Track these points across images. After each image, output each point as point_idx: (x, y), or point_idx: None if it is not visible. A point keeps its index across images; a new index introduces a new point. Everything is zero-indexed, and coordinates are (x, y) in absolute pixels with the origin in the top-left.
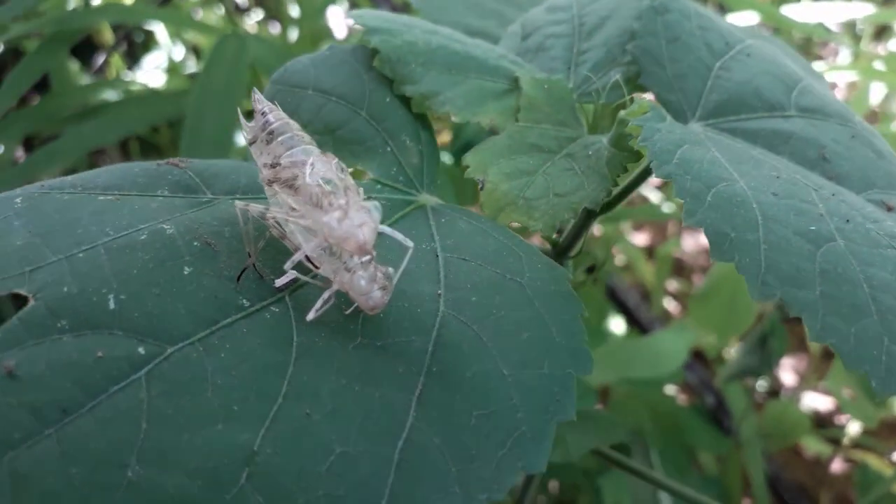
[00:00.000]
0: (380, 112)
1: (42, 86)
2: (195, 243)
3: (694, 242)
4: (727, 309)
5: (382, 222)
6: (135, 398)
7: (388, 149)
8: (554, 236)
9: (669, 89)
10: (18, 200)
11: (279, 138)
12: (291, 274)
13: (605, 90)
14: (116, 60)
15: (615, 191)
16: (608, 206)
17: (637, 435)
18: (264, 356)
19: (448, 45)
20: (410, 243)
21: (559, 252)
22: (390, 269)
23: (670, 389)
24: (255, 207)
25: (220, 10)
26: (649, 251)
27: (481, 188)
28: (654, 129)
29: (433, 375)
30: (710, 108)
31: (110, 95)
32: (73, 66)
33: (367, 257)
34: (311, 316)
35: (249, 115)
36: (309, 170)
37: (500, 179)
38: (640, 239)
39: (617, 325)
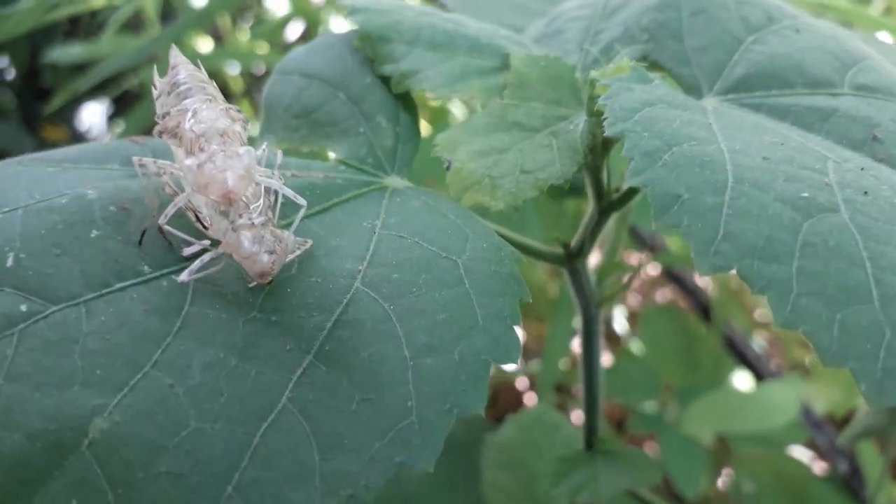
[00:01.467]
0: (358, 93)
1: None
2: (111, 208)
3: None
4: None
5: (335, 202)
6: (1, 354)
7: (362, 130)
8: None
9: (684, 63)
10: None
11: (179, 88)
12: (203, 242)
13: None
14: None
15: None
16: (622, 200)
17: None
18: (145, 323)
19: (437, 24)
20: (303, 201)
21: (571, 256)
22: (287, 234)
23: (799, 453)
24: (149, 160)
25: None
26: None
27: (447, 168)
28: (624, 88)
29: (323, 355)
30: (732, 82)
31: None
32: None
33: (262, 218)
34: (183, 276)
35: None
36: (190, 115)
37: (469, 158)
38: None
39: (742, 381)
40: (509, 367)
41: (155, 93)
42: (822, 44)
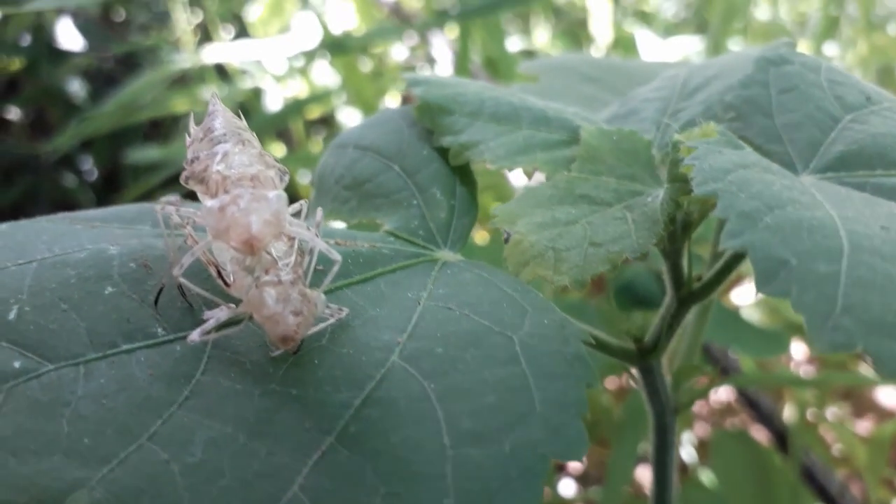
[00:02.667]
0: (414, 165)
1: None
2: (131, 264)
3: None
4: None
5: (379, 272)
6: None
7: (415, 202)
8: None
9: (776, 139)
10: (5, 226)
11: (213, 134)
12: (228, 305)
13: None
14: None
15: (713, 269)
16: (704, 289)
17: None
18: (148, 390)
19: (500, 98)
20: (338, 256)
21: (644, 352)
22: (318, 294)
23: None
24: (172, 208)
25: None
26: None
27: (506, 241)
28: (713, 150)
29: (347, 436)
30: (831, 160)
31: None
32: None
33: (291, 276)
34: (194, 336)
35: None
36: (219, 158)
37: (530, 230)
38: (862, 427)
39: None
40: (566, 493)
41: (188, 140)
42: None
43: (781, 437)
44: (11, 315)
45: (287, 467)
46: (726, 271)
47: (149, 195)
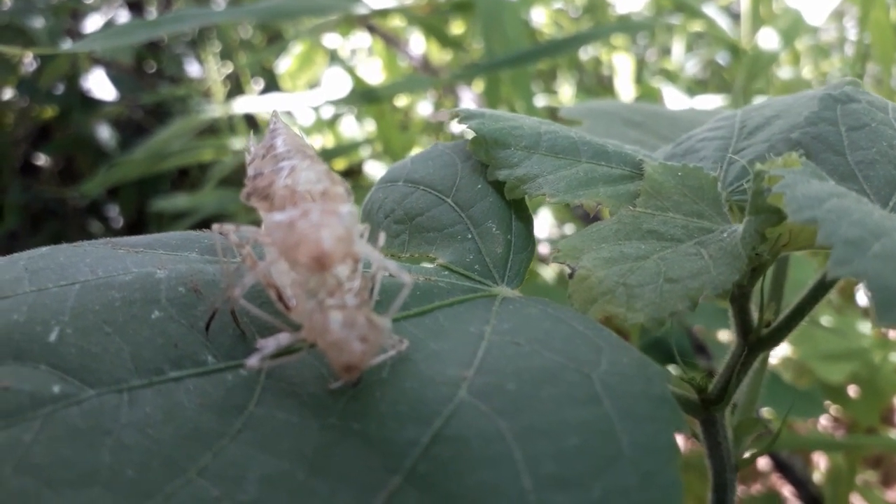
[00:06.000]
0: (468, 199)
1: None
2: (180, 289)
3: None
4: None
5: (437, 305)
6: (16, 439)
7: (470, 236)
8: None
9: (849, 177)
10: (45, 249)
11: (275, 151)
12: (280, 335)
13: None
14: None
15: (784, 313)
16: (773, 336)
17: None
18: (198, 420)
19: (558, 132)
20: (408, 278)
21: (709, 402)
22: (385, 321)
23: None
24: (230, 227)
25: None
26: None
27: (570, 276)
28: (801, 180)
29: (416, 477)
30: None
31: None
32: None
33: (356, 300)
34: (253, 361)
35: None
36: (285, 173)
37: (598, 265)
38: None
39: None
40: None
41: (248, 157)
42: None
43: (814, 501)
44: (52, 337)
45: None
46: (798, 316)
47: None
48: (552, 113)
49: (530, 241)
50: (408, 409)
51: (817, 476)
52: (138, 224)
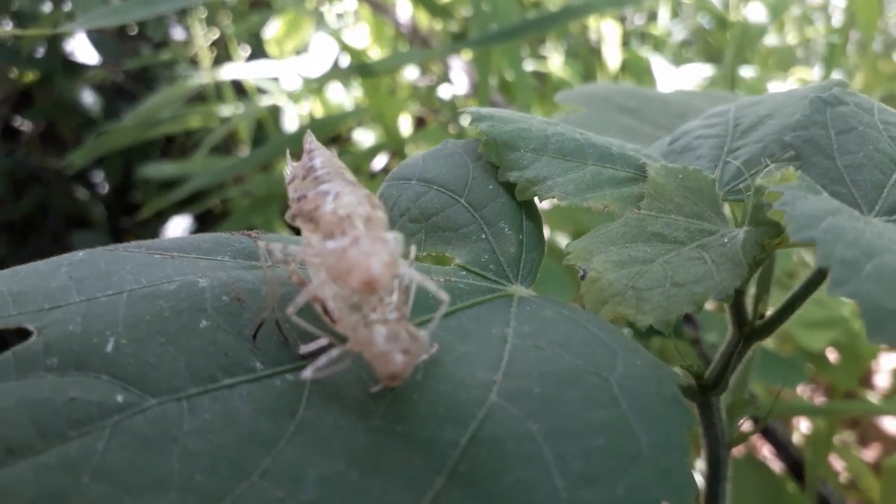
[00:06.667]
0: (480, 199)
1: None
2: (224, 297)
3: None
4: None
5: (459, 307)
6: (89, 448)
7: (483, 236)
8: (697, 368)
9: (839, 181)
10: (81, 254)
11: (316, 173)
12: (321, 340)
13: (756, 183)
14: None
15: (774, 309)
16: (766, 327)
17: None
18: (255, 425)
19: (565, 133)
20: (446, 296)
21: (706, 388)
22: (422, 333)
23: None
24: (277, 245)
25: None
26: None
27: (582, 278)
28: (798, 196)
29: (458, 476)
30: (895, 202)
31: None
32: (285, 232)
33: (396, 314)
34: (307, 373)
35: None
36: (331, 198)
37: (607, 268)
38: (869, 455)
39: None
40: None
41: (287, 176)
42: None
43: (795, 465)
44: (109, 348)
45: None
46: (789, 310)
47: (165, 216)
48: (540, 78)
49: (540, 240)
50: (444, 411)
51: (797, 437)
52: (124, 190)
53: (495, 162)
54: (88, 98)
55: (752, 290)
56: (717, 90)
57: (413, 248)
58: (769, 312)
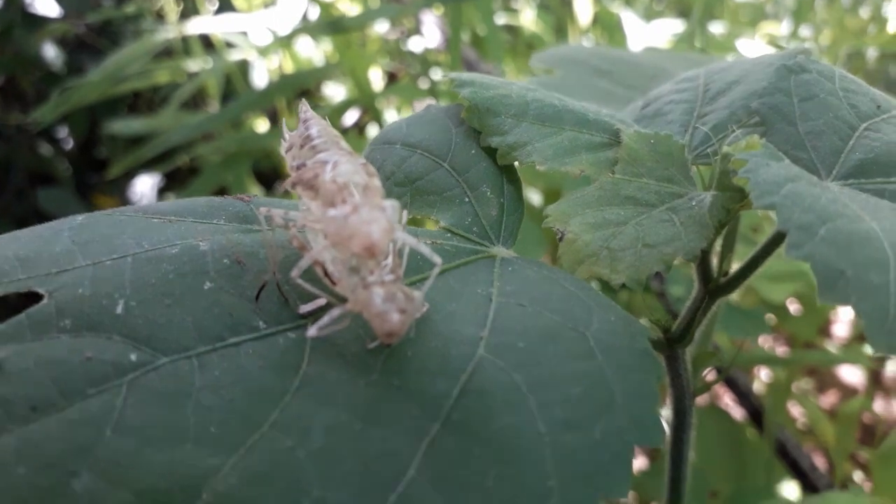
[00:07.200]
0: (463, 164)
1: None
2: (225, 260)
3: (888, 407)
4: None
5: (446, 267)
6: (109, 404)
7: (467, 199)
8: (664, 321)
9: (800, 146)
10: (80, 218)
11: (313, 142)
12: (319, 300)
13: (722, 150)
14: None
15: (738, 266)
16: (730, 284)
17: None
18: (262, 380)
19: (543, 99)
20: (438, 259)
21: (673, 341)
22: (417, 293)
23: None
24: (277, 212)
25: None
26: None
27: (560, 239)
28: (761, 163)
29: (451, 424)
30: (851, 168)
31: None
32: (256, 189)
33: (392, 276)
34: (311, 331)
35: None
36: (330, 167)
37: (583, 230)
38: (826, 401)
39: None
40: None
41: (284, 145)
42: None
43: (755, 412)
44: (119, 309)
45: (402, 452)
46: (752, 267)
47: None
48: (512, 31)
49: (520, 203)
50: (436, 365)
51: (758, 385)
52: (90, 145)
53: (477, 127)
54: (50, 52)
55: (717, 248)
56: (687, 52)
57: (405, 213)
58: (733, 269)
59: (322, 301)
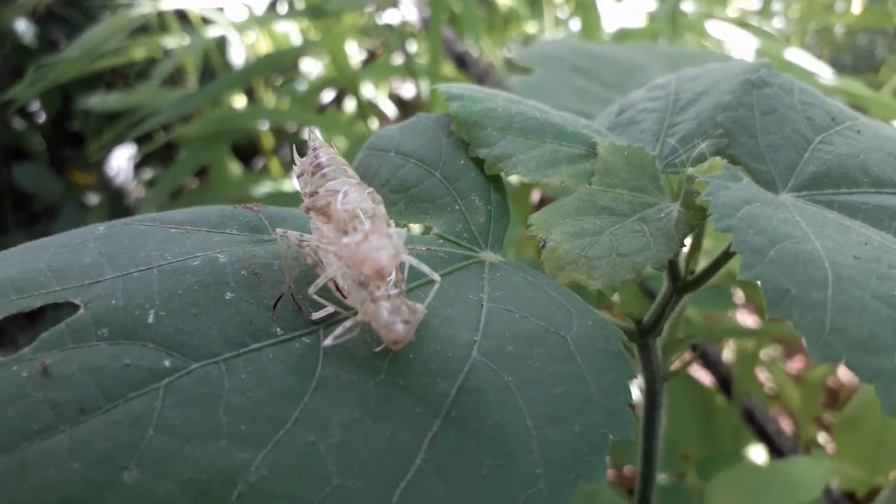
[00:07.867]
0: (453, 173)
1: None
2: (242, 272)
3: (851, 373)
4: (876, 439)
5: (440, 273)
6: (149, 405)
7: (457, 207)
8: (637, 314)
9: (760, 159)
10: (102, 228)
11: (323, 170)
12: (329, 308)
13: (689, 161)
14: (274, 164)
15: (703, 265)
16: (696, 281)
17: None
18: (283, 382)
19: (527, 113)
20: (437, 277)
21: (644, 332)
22: (418, 306)
23: None
24: (293, 234)
25: (374, 125)
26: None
27: (542, 247)
28: (722, 185)
29: (450, 420)
30: (805, 180)
31: (263, 190)
32: (235, 167)
33: (396, 290)
34: (327, 342)
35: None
36: (341, 196)
37: (564, 238)
38: (793, 367)
39: (758, 455)
40: None
41: (296, 170)
42: (882, 145)
43: (724, 380)
44: (150, 319)
45: (409, 444)
46: (717, 267)
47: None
48: (487, 4)
49: (507, 210)
50: (436, 367)
51: (727, 353)
52: (62, 119)
53: (465, 139)
54: (21, 24)
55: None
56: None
57: (405, 231)
58: (700, 267)
59: (331, 309)
